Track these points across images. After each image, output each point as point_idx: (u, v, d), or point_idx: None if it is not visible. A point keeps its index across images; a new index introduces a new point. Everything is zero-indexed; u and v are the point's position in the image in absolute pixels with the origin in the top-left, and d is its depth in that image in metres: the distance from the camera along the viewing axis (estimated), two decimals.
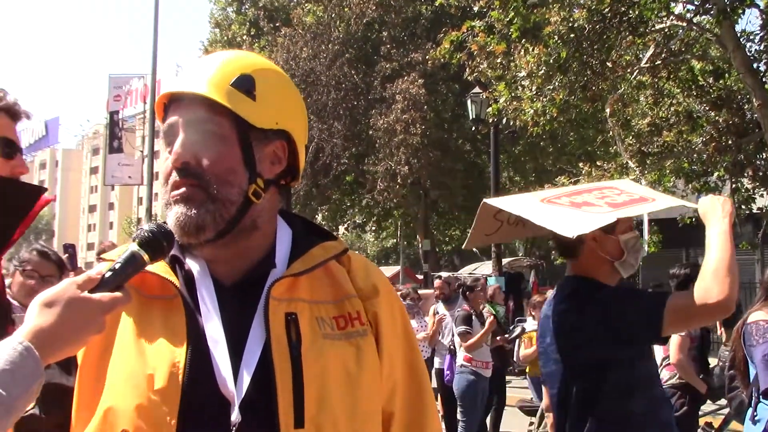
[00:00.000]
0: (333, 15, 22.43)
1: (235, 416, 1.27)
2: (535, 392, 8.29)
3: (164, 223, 1.38)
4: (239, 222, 1.39)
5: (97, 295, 1.22)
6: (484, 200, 3.01)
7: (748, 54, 10.12)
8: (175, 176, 1.38)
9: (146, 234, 1.31)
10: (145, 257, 1.29)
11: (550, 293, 3.15)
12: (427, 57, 18.56)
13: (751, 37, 10.67)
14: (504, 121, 12.40)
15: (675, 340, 6.17)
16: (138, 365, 1.29)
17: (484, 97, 13.91)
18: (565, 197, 2.85)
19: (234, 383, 1.29)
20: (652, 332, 2.55)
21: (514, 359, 9.11)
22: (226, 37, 26.88)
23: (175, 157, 1.37)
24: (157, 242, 1.31)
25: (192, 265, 1.40)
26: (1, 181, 1.75)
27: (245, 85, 1.39)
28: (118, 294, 1.24)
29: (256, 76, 1.41)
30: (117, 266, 1.27)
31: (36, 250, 3.50)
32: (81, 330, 1.20)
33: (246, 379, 1.30)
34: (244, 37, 25.53)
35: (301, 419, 1.29)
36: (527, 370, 8.66)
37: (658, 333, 2.53)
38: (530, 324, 8.57)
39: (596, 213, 2.65)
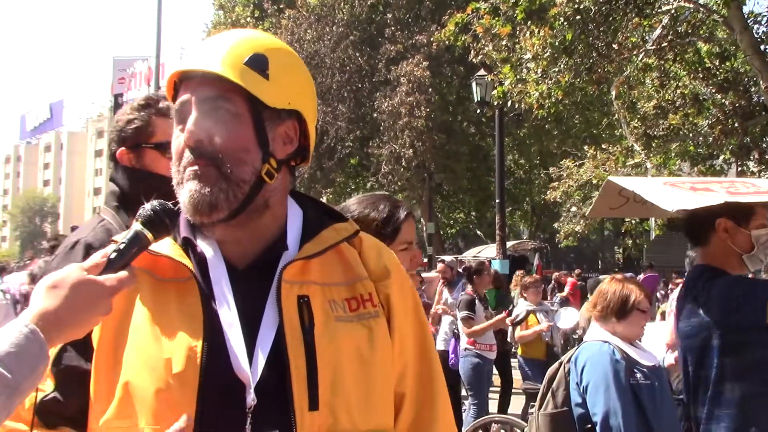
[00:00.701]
0: None
1: (251, 399, 1.27)
2: (526, 373, 8.30)
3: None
4: (252, 201, 1.38)
5: (102, 277, 1.22)
6: (609, 178, 3.13)
7: (756, 36, 10.05)
8: (188, 155, 1.36)
9: (149, 213, 1.31)
10: (149, 236, 1.29)
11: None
12: (431, 39, 18.46)
13: (759, 19, 10.59)
14: (509, 103, 12.35)
15: (671, 324, 6.17)
16: (155, 349, 1.29)
17: (489, 79, 13.85)
18: (689, 183, 2.92)
19: (249, 366, 1.29)
20: (760, 318, 2.59)
21: (509, 340, 9.15)
22: (230, 19, 26.80)
23: (188, 135, 1.36)
24: (159, 220, 1.31)
25: (204, 247, 1.40)
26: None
27: (259, 64, 1.38)
28: (123, 274, 1.24)
29: (270, 56, 1.40)
30: (122, 247, 1.27)
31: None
32: (87, 312, 1.20)
33: (261, 362, 1.30)
34: (248, 19, 25.45)
35: (316, 402, 1.29)
36: (519, 351, 8.70)
37: (762, 319, 2.57)
38: (522, 305, 8.59)
39: (707, 195, 2.67)
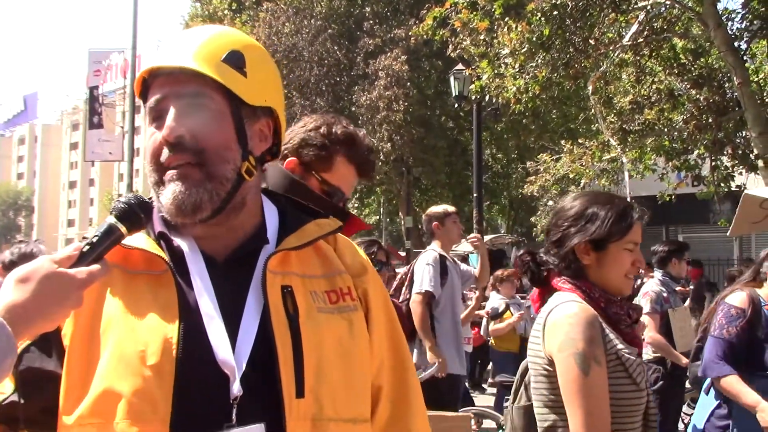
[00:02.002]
0: None
1: (237, 389, 1.27)
2: (500, 366, 8.36)
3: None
4: (232, 199, 1.38)
5: (73, 270, 1.21)
6: (746, 191, 3.07)
7: (729, 32, 10.16)
8: (167, 153, 1.34)
9: (123, 206, 1.30)
10: (123, 229, 1.28)
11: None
12: (410, 33, 18.44)
13: (732, 16, 10.71)
14: (487, 98, 12.40)
15: (647, 319, 6.25)
16: (129, 342, 1.28)
17: (467, 74, 13.88)
18: None
19: (232, 356, 1.28)
20: None
21: (482, 333, 9.20)
22: (207, 12, 26.55)
23: (168, 131, 1.34)
24: (134, 214, 1.30)
25: (180, 242, 1.39)
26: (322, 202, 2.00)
27: (236, 61, 1.38)
28: (94, 267, 1.23)
29: (246, 53, 1.40)
30: (95, 239, 1.26)
31: (20, 253, 3.45)
32: (57, 305, 1.19)
33: (245, 352, 1.29)
34: (225, 11, 25.24)
35: (302, 389, 1.30)
36: (492, 344, 8.76)
37: None
38: (494, 299, 8.64)
39: None
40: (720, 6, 10.30)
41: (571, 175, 13.81)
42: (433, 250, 5.67)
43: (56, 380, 1.31)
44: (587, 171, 13.10)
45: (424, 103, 22.11)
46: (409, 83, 20.74)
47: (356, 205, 30.25)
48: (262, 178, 1.48)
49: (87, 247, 1.25)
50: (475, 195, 14.94)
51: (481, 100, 14.05)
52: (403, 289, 5.66)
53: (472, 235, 5.88)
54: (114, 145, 29.32)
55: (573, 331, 2.17)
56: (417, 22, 16.64)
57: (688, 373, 5.90)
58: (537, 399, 2.34)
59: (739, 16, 10.64)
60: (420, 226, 29.45)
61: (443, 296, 5.53)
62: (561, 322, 2.21)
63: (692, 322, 6.14)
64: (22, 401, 1.30)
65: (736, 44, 10.14)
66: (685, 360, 5.93)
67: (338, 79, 22.41)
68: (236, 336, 1.31)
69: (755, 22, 10.27)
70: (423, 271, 5.51)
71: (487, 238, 20.84)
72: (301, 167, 2.19)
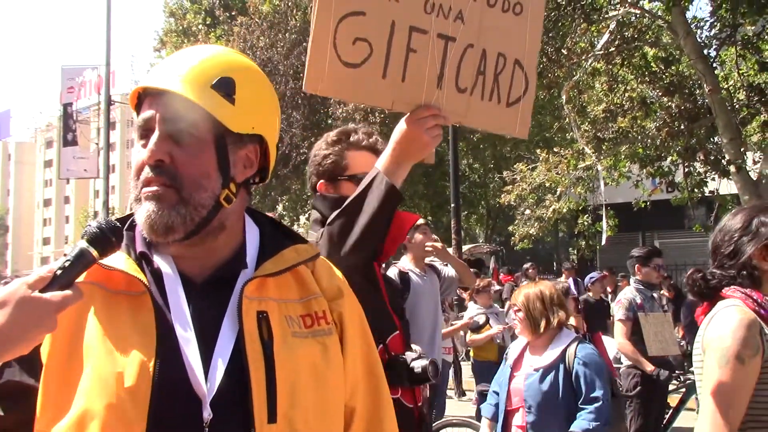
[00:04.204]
0: (290, 3, 22.25)
1: (207, 413, 1.27)
2: (480, 375, 8.39)
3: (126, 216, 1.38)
4: (208, 224, 1.39)
5: (47, 295, 1.21)
6: None
7: (699, 40, 10.32)
8: (148, 172, 1.36)
9: (94, 230, 1.30)
10: (94, 253, 1.29)
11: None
12: None
13: (701, 24, 10.87)
14: None
15: (617, 326, 6.32)
16: (107, 364, 1.28)
17: None
18: None
19: (204, 380, 1.29)
20: None
21: (459, 343, 9.21)
22: (181, 27, 26.50)
23: (149, 154, 1.35)
24: (105, 237, 1.30)
25: (160, 262, 1.40)
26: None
27: (225, 88, 1.38)
28: (68, 292, 1.24)
29: (237, 79, 1.40)
30: (67, 264, 1.26)
31: None
32: (32, 329, 1.19)
33: (218, 376, 1.30)
34: (200, 26, 25.21)
35: (274, 414, 1.30)
36: (472, 354, 8.79)
37: None
38: (472, 309, 8.67)
39: None
40: (689, 14, 10.46)
41: (547, 184, 13.92)
42: (394, 266, 5.70)
43: (35, 395, 1.31)
44: (563, 179, 13.22)
45: (401, 115, 22.16)
46: None
47: None
48: (246, 201, 1.49)
49: (59, 271, 1.25)
50: (452, 205, 14.96)
51: None
52: None
53: (428, 243, 5.88)
54: (89, 162, 29.05)
55: (723, 329, 2.23)
56: None
57: (659, 377, 5.95)
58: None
59: (708, 24, 10.80)
60: None
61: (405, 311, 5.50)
62: (718, 328, 2.26)
63: (672, 329, 6.18)
64: (1, 414, 1.31)
65: (705, 52, 10.30)
66: (650, 367, 5.97)
67: None
68: (210, 360, 1.32)
69: (724, 30, 10.43)
70: None
71: (465, 247, 20.90)
72: (329, 183, 2.44)
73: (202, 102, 1.35)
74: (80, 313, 1.32)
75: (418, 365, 2.27)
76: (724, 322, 2.25)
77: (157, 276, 1.38)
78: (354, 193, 2.17)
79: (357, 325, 1.54)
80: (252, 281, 1.38)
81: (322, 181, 2.46)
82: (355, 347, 1.52)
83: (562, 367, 4.02)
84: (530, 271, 14.69)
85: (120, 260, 1.36)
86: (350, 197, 2.17)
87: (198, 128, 1.37)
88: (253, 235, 1.50)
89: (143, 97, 1.43)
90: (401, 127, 2.13)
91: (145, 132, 1.39)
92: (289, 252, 1.47)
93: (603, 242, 11.29)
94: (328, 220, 2.19)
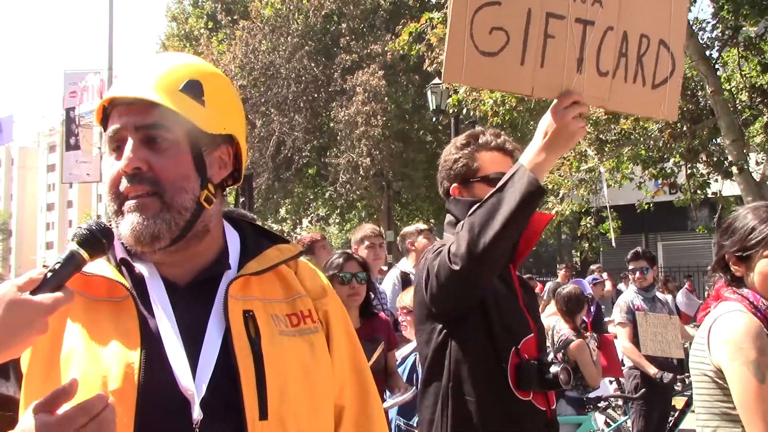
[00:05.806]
0: (291, 7, 22.24)
1: (197, 413, 1.27)
2: None
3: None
4: (192, 228, 1.39)
5: (38, 297, 1.20)
6: None
7: (701, 42, 10.30)
8: (125, 183, 1.36)
9: (84, 232, 1.30)
10: (85, 255, 1.28)
11: None
12: (386, 49, 18.54)
13: (703, 25, 10.86)
14: (464, 111, 12.46)
15: (618, 330, 6.32)
16: (91, 368, 1.28)
17: (444, 87, 13.96)
18: None
19: (192, 381, 1.29)
20: None
21: None
22: (183, 31, 26.51)
23: (126, 162, 1.35)
24: (96, 240, 1.30)
25: (141, 267, 1.40)
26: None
27: (194, 90, 1.39)
28: (59, 294, 1.23)
29: (204, 81, 1.41)
30: (57, 266, 1.26)
31: None
32: (22, 332, 1.19)
33: (206, 376, 1.30)
34: (202, 30, 25.20)
35: (265, 412, 1.31)
36: None
37: None
38: None
39: None
40: (691, 16, 10.45)
41: (549, 186, 13.90)
42: (396, 268, 5.74)
43: (15, 405, 1.31)
44: (566, 181, 13.19)
45: (402, 118, 22.17)
46: (386, 98, 20.80)
47: (337, 220, 30.24)
48: (223, 203, 1.50)
49: (50, 274, 1.25)
50: None
51: (458, 114, 14.12)
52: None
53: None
54: (91, 166, 29.07)
55: (742, 340, 2.20)
56: (393, 37, 16.74)
57: (662, 380, 5.93)
58: (700, 406, 2.37)
59: (710, 25, 10.80)
60: None
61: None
62: (728, 331, 2.24)
63: (677, 332, 6.15)
64: None
65: (707, 53, 10.29)
66: (653, 370, 5.95)
67: (316, 96, 22.43)
68: (197, 361, 1.31)
69: (726, 31, 10.42)
70: (385, 292, 5.60)
71: None
72: (462, 186, 2.48)
73: (174, 105, 1.35)
74: (59, 320, 1.31)
75: (550, 371, 2.26)
76: (740, 332, 2.22)
77: (139, 281, 1.38)
78: (495, 187, 2.14)
79: (342, 324, 1.56)
80: (236, 280, 1.39)
81: (455, 184, 2.51)
82: (341, 346, 1.53)
83: None
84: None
85: (101, 266, 1.36)
86: (491, 191, 2.14)
87: (172, 132, 1.37)
88: (234, 238, 1.51)
89: (110, 110, 1.41)
90: (547, 119, 2.09)
91: (117, 143, 1.38)
92: (272, 251, 1.48)
93: (613, 244, 11.28)
94: (469, 212, 2.16)
